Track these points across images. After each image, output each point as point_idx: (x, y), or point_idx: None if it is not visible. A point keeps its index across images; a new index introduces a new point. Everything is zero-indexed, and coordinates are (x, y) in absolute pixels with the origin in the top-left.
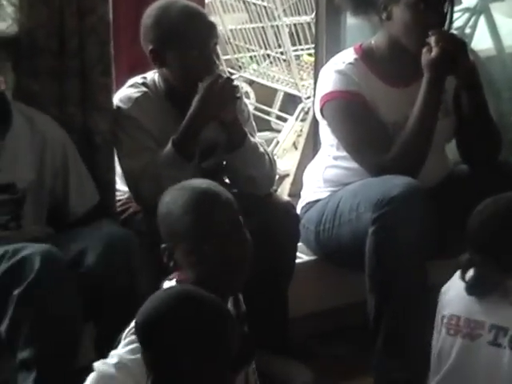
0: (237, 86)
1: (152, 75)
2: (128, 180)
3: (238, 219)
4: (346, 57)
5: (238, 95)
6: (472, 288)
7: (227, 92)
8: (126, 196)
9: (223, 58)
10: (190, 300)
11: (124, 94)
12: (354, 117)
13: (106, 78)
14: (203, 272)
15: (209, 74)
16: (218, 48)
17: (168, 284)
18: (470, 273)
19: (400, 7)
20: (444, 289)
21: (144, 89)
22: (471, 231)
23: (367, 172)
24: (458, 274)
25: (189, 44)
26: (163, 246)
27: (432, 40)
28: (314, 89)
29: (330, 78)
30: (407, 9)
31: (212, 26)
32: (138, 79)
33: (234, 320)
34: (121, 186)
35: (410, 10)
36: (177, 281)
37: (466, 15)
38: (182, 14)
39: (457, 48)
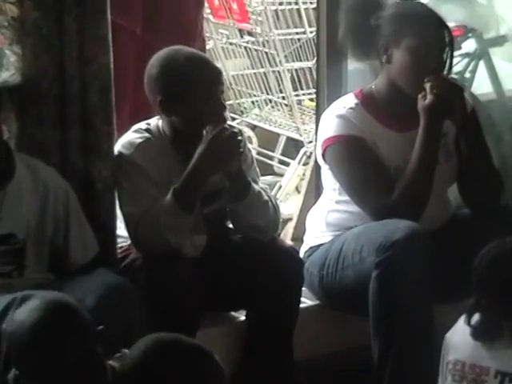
0: (242, 140)
1: (156, 121)
2: (128, 226)
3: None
4: (347, 102)
5: (242, 150)
6: (477, 333)
7: (232, 146)
8: (128, 242)
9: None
10: None
11: (127, 139)
12: (356, 160)
13: (107, 126)
14: None
15: (219, 119)
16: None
17: None
18: (476, 317)
19: (400, 51)
20: (449, 334)
21: (147, 135)
22: (476, 275)
23: (369, 216)
24: (462, 318)
25: (199, 92)
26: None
27: (427, 86)
28: (316, 133)
29: (331, 123)
30: (407, 52)
31: (219, 72)
32: (141, 125)
33: None
34: (123, 232)
35: (411, 53)
36: None
37: (466, 60)
38: (190, 63)
39: (452, 93)
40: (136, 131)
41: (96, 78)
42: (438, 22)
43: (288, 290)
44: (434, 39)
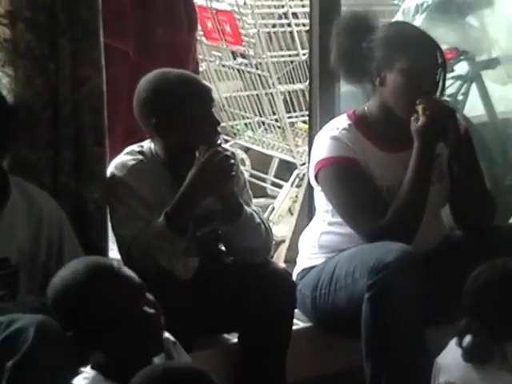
0: (234, 164)
1: (149, 143)
2: (120, 248)
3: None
4: (340, 123)
5: (234, 173)
6: (469, 355)
7: (224, 169)
8: None
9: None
10: None
11: (119, 161)
12: (348, 182)
13: (99, 148)
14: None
15: (213, 134)
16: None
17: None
18: (467, 339)
19: (393, 73)
20: (440, 356)
21: (140, 157)
22: (467, 298)
23: (361, 237)
24: (454, 340)
25: (192, 112)
26: (69, 334)
27: (419, 108)
28: (309, 155)
29: (324, 145)
30: (400, 75)
31: (210, 90)
32: (134, 147)
33: None
34: (116, 254)
35: (404, 76)
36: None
37: (459, 82)
38: (181, 84)
39: (445, 115)
40: (129, 153)
41: (88, 99)
42: (431, 44)
43: (280, 313)
44: (426, 61)
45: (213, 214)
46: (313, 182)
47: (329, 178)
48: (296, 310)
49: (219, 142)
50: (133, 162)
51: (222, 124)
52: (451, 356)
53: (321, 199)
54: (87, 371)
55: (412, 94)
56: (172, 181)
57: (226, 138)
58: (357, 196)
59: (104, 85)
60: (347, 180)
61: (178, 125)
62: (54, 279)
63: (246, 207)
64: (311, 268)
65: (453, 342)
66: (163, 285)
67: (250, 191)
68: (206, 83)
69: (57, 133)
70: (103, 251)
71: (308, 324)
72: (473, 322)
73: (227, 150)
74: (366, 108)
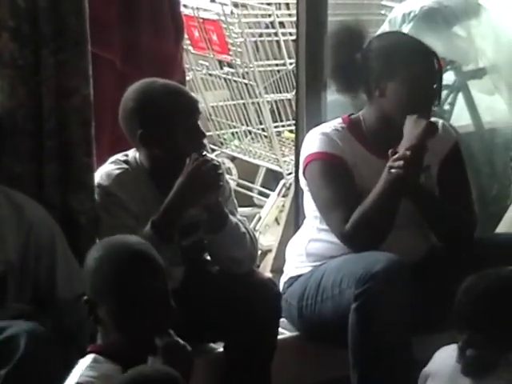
0: (222, 174)
1: (134, 153)
2: None
3: (167, 290)
4: (333, 124)
5: (221, 183)
6: (471, 368)
7: (211, 178)
8: None
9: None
10: None
11: (105, 170)
12: (332, 179)
13: (88, 159)
14: (118, 334)
15: (199, 146)
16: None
17: (83, 361)
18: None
19: (396, 83)
20: (427, 366)
21: (125, 166)
22: (464, 310)
23: (334, 235)
24: (440, 354)
25: (178, 123)
26: (85, 298)
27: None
28: (295, 164)
29: (314, 140)
30: (404, 85)
31: (196, 101)
32: (119, 156)
33: None
34: None
35: (408, 86)
36: (90, 351)
37: (445, 92)
38: (167, 94)
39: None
40: (114, 162)
41: (77, 110)
42: (429, 52)
43: (266, 322)
44: (428, 70)
45: (198, 223)
46: (301, 181)
47: (315, 173)
48: (282, 319)
49: (204, 153)
50: (118, 172)
51: (209, 133)
52: (438, 367)
53: (310, 204)
54: (87, 357)
55: (417, 103)
56: (156, 190)
57: (212, 147)
58: (336, 195)
59: (92, 95)
60: (330, 177)
61: (164, 136)
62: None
63: (230, 217)
64: (298, 277)
65: (440, 352)
66: None
67: (235, 201)
68: (193, 95)
69: (41, 143)
70: None
71: (294, 333)
72: (473, 334)
73: (214, 160)
74: (361, 115)
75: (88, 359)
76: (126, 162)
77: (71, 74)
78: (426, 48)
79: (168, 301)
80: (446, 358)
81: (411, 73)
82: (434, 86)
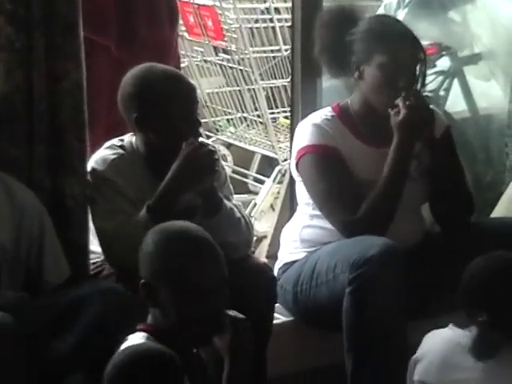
0: (217, 159)
1: (129, 138)
2: (101, 242)
3: (226, 277)
4: (323, 113)
5: (217, 168)
6: (477, 350)
7: (207, 163)
8: (101, 258)
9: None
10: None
11: (100, 155)
12: (327, 171)
13: (79, 143)
14: (178, 317)
15: (194, 134)
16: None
17: (134, 337)
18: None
19: (371, 67)
20: (417, 356)
21: (121, 151)
22: (473, 292)
23: (335, 228)
24: (430, 339)
25: (174, 109)
26: (143, 281)
27: (400, 101)
28: (290, 151)
29: (306, 132)
30: (378, 69)
31: (194, 89)
32: (115, 141)
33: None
34: (97, 248)
35: (381, 70)
36: (142, 330)
37: (441, 78)
38: (165, 80)
39: (424, 110)
40: (109, 147)
41: (68, 94)
42: (410, 39)
43: (261, 307)
44: (404, 56)
45: (194, 208)
46: (294, 172)
47: (309, 167)
48: (277, 305)
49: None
50: (113, 157)
51: (204, 120)
52: (430, 357)
53: (302, 192)
54: (139, 334)
55: (389, 89)
56: (151, 176)
57: (208, 133)
58: (334, 187)
59: (84, 79)
60: (326, 170)
61: (159, 121)
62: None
63: (225, 201)
64: (293, 262)
65: (428, 338)
66: None
67: (230, 186)
68: (191, 81)
69: (33, 127)
70: (83, 246)
71: (289, 319)
72: (481, 316)
73: (210, 145)
74: (349, 101)
75: (140, 336)
76: (121, 147)
77: (62, 58)
78: (406, 34)
79: (226, 289)
80: (434, 342)
81: (385, 58)
82: (413, 73)
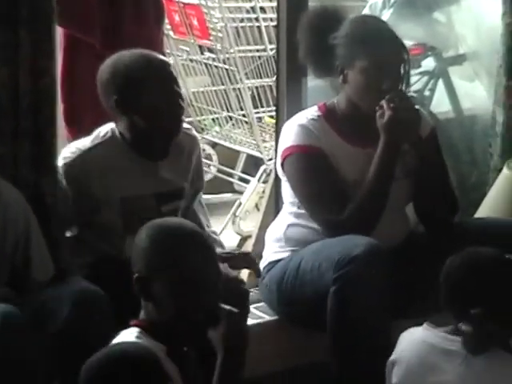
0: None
1: (107, 128)
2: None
3: (219, 271)
4: (310, 113)
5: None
6: (472, 345)
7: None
8: None
9: (186, 120)
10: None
11: (74, 147)
12: (313, 172)
13: (54, 139)
14: (171, 311)
15: (176, 110)
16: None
17: (127, 333)
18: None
19: (354, 71)
20: (394, 358)
21: (98, 141)
22: (461, 287)
23: (321, 229)
24: (405, 340)
25: (151, 86)
26: (137, 275)
27: (384, 103)
28: (276, 150)
29: (291, 132)
30: (360, 73)
31: (168, 65)
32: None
33: None
34: None
35: (364, 74)
36: (135, 325)
37: (425, 78)
38: (139, 59)
39: (409, 110)
40: (86, 139)
41: (49, 91)
42: (391, 40)
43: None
44: (386, 59)
45: (180, 191)
46: (279, 172)
47: (294, 167)
48: (261, 304)
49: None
50: (89, 146)
51: (190, 119)
52: (403, 352)
53: (287, 191)
54: (131, 329)
55: (374, 92)
56: (139, 157)
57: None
58: (319, 188)
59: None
60: (311, 171)
61: (138, 100)
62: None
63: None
64: (277, 261)
65: (403, 338)
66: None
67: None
68: (165, 59)
69: (18, 124)
70: (60, 243)
71: (273, 317)
72: (475, 308)
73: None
74: (335, 101)
75: (134, 332)
76: (101, 137)
77: (44, 56)
78: (388, 36)
79: (220, 283)
80: (410, 343)
81: (367, 62)
82: (397, 75)
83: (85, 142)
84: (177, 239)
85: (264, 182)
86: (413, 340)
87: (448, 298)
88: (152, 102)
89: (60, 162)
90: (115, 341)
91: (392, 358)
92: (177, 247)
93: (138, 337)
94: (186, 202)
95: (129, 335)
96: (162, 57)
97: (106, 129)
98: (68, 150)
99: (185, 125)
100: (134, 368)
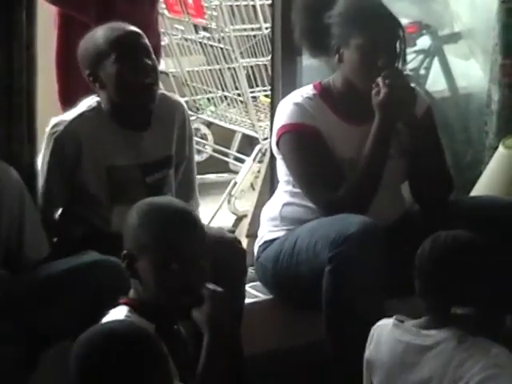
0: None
1: (91, 100)
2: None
3: (206, 251)
4: (305, 91)
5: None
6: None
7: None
8: None
9: (181, 100)
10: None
11: (61, 118)
12: (308, 151)
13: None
14: (158, 289)
15: (145, 84)
16: (173, 82)
17: (116, 311)
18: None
19: (350, 50)
20: (371, 357)
21: (81, 110)
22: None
23: (315, 207)
24: (377, 340)
25: (119, 56)
26: (125, 252)
27: (380, 80)
28: (271, 130)
29: (287, 110)
30: (356, 51)
31: (137, 34)
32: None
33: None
34: None
35: (359, 52)
36: (124, 303)
37: (421, 57)
38: (106, 31)
39: (404, 93)
40: (73, 110)
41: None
42: (386, 18)
43: (230, 282)
44: (381, 36)
45: (163, 161)
46: (274, 150)
47: (289, 145)
48: (257, 283)
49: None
50: (74, 117)
51: (185, 99)
52: (381, 356)
53: (283, 169)
54: (120, 308)
55: (369, 70)
56: (120, 128)
57: (188, 112)
58: (315, 166)
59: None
60: (306, 149)
61: (107, 73)
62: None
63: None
64: (273, 240)
65: (378, 335)
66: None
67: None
68: (136, 30)
69: (11, 102)
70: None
71: (269, 297)
72: (480, 292)
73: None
74: (331, 80)
75: (123, 310)
76: (84, 108)
77: (34, 34)
78: (384, 14)
79: (206, 263)
80: (385, 343)
81: (362, 40)
82: (392, 53)
83: (69, 114)
84: (163, 217)
85: (259, 162)
86: (388, 340)
87: (422, 289)
88: (120, 76)
89: (48, 139)
90: (105, 319)
91: (367, 357)
92: (162, 225)
93: (127, 315)
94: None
95: (118, 313)
96: (133, 28)
97: (91, 101)
98: (53, 125)
99: (171, 94)
100: (125, 346)
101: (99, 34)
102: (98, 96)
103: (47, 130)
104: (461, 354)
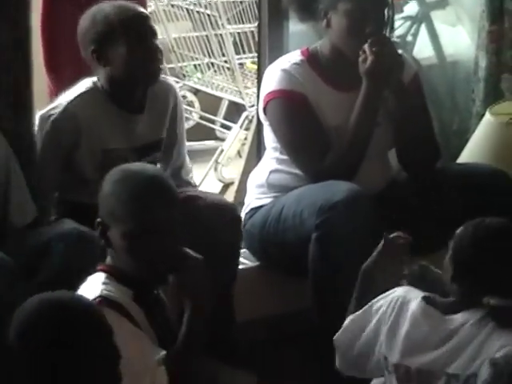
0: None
1: (87, 81)
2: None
3: (179, 217)
4: (292, 57)
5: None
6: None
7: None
8: None
9: (167, 66)
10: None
11: (57, 102)
12: (295, 118)
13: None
14: (129, 258)
15: (152, 63)
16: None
17: (93, 278)
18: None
19: (338, 15)
20: (391, 324)
21: (77, 93)
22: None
23: (303, 174)
24: (405, 312)
25: (126, 36)
26: (99, 220)
27: (367, 47)
28: (258, 97)
29: (274, 76)
30: (344, 16)
31: (146, 16)
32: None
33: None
34: None
35: (347, 17)
36: (101, 270)
37: (408, 23)
38: (116, 10)
39: (392, 55)
40: (61, 97)
41: (28, 43)
42: None
43: (224, 248)
44: (370, 2)
45: (155, 143)
46: (261, 117)
47: (276, 112)
48: (244, 250)
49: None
50: (71, 98)
51: (171, 65)
52: (403, 331)
53: (270, 136)
54: (98, 274)
55: (357, 36)
56: (117, 109)
57: (175, 79)
58: (302, 132)
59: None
60: (293, 117)
61: (114, 51)
62: None
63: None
64: (259, 207)
65: (406, 312)
66: None
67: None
68: (143, 10)
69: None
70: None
71: (256, 263)
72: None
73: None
74: (318, 46)
75: (101, 276)
76: (81, 89)
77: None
78: None
79: (178, 232)
80: (413, 318)
81: (350, 4)
82: (380, 18)
83: (66, 96)
84: (135, 185)
85: (246, 129)
86: (412, 317)
87: (459, 273)
88: (128, 55)
89: (45, 122)
90: (82, 287)
91: (387, 327)
92: (134, 193)
93: (104, 282)
94: (164, 154)
95: (95, 280)
96: (141, 9)
97: (88, 81)
98: (51, 108)
99: (163, 77)
100: (70, 317)
101: (108, 12)
102: (96, 74)
103: (41, 113)
104: (482, 334)
